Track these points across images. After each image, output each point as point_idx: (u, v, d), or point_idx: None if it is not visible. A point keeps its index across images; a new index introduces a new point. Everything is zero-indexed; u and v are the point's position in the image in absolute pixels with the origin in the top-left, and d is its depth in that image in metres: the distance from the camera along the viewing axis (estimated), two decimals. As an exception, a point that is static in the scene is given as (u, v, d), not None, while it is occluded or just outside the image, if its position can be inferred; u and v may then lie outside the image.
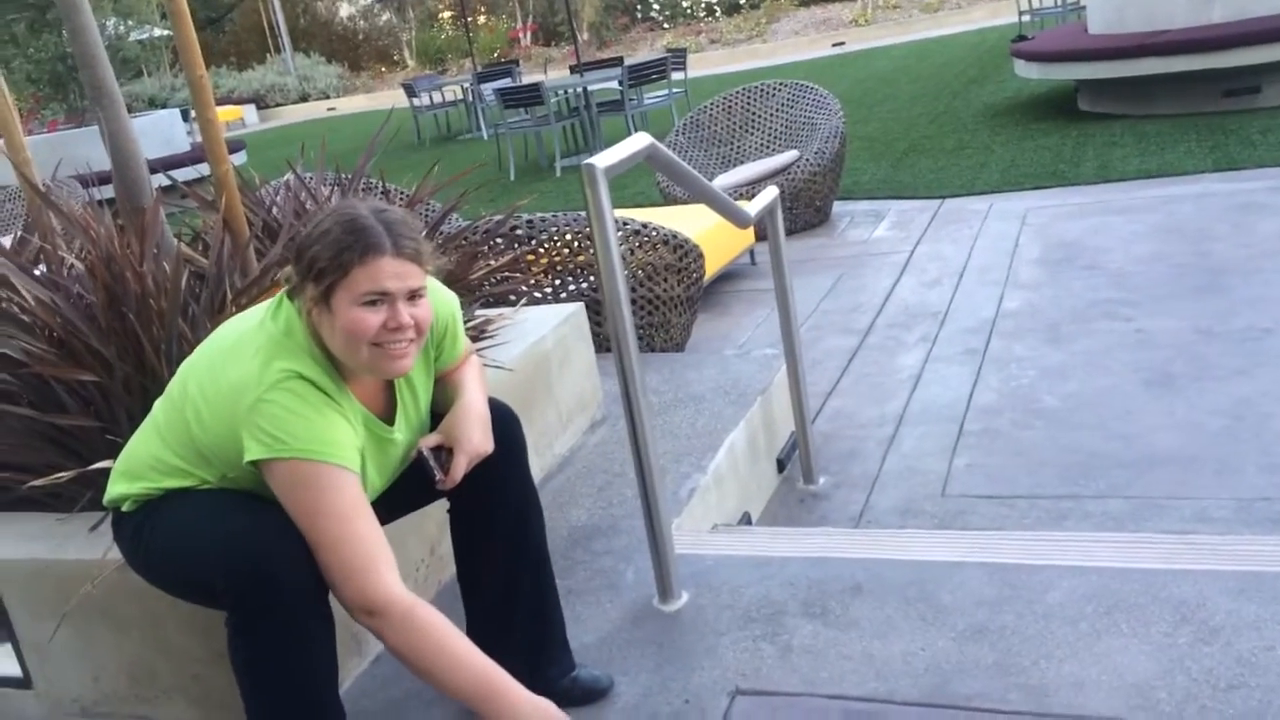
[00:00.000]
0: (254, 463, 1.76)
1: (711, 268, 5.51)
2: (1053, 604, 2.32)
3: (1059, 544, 2.60)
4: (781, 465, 3.85)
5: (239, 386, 1.78)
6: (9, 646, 2.55)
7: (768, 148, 7.61)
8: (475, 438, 2.01)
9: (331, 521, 1.76)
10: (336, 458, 1.77)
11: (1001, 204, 6.95)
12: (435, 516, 2.71)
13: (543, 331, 3.44)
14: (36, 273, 2.85)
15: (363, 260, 1.77)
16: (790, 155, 7.22)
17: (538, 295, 4.65)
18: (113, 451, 2.21)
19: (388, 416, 1.97)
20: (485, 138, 14.16)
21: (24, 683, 2.56)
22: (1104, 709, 1.99)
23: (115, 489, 1.95)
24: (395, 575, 1.78)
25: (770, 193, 3.49)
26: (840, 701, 2.13)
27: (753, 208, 3.39)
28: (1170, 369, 4.20)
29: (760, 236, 6.60)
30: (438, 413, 2.10)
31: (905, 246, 6.47)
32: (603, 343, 4.43)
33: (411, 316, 1.83)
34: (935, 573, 2.51)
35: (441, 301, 2.06)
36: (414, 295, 1.83)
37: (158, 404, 1.98)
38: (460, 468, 2.00)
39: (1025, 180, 7.37)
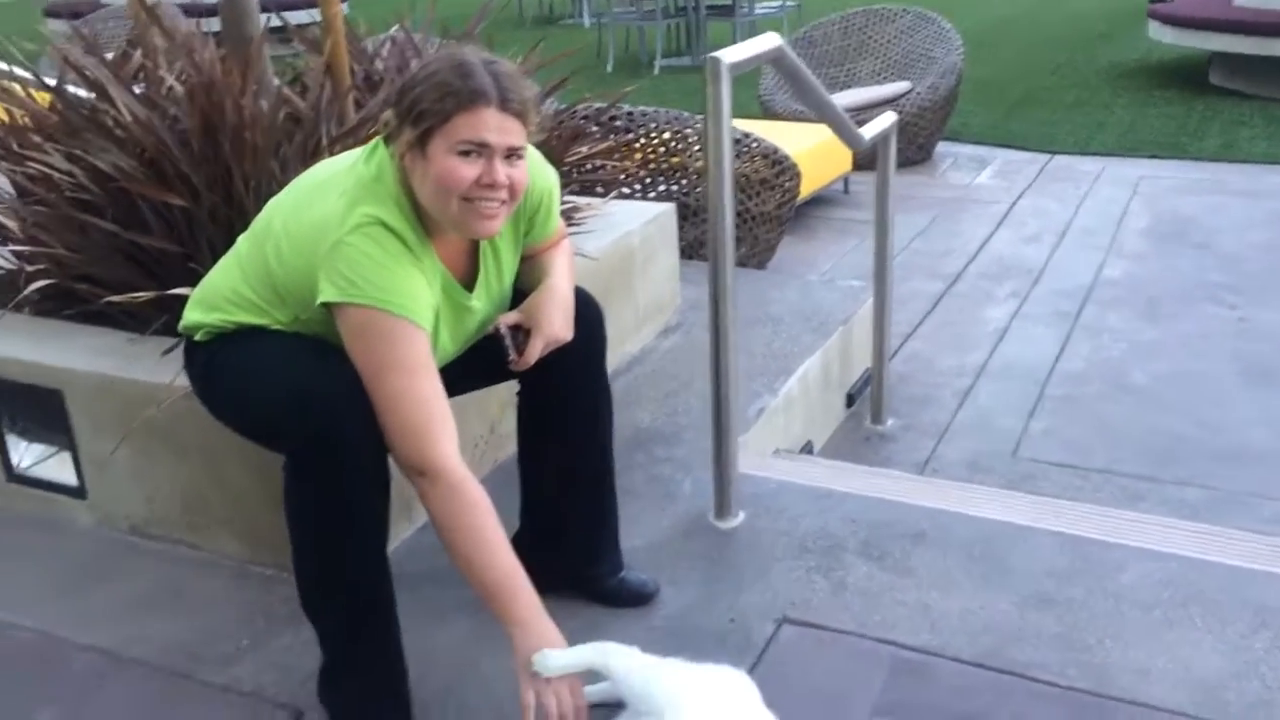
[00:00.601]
0: (326, 305, 1.71)
1: (805, 189, 5.34)
2: (1125, 585, 2.22)
3: (1136, 524, 2.49)
4: (851, 400, 3.76)
5: (321, 225, 1.72)
6: (68, 456, 2.57)
7: (879, 76, 7.33)
8: (556, 322, 1.94)
9: (395, 375, 1.71)
10: (409, 311, 1.71)
11: (1115, 168, 6.65)
12: (500, 395, 2.66)
13: (630, 227, 3.35)
14: (135, 90, 2.80)
15: (467, 107, 1.68)
16: (901, 86, 6.94)
17: (625, 191, 4.54)
18: (192, 279, 2.17)
19: (468, 282, 1.89)
20: (586, 25, 13.86)
21: (79, 493, 2.59)
22: (1167, 701, 1.91)
23: (190, 317, 1.91)
24: (452, 443, 1.73)
25: (888, 118, 3.33)
26: (890, 647, 2.07)
27: (869, 131, 3.23)
28: (1271, 363, 4.00)
29: (857, 165, 6.39)
30: (522, 291, 2.02)
31: (1007, 198, 6.23)
32: (685, 250, 4.33)
33: (507, 176, 1.74)
34: (1004, 533, 2.42)
35: (541, 174, 1.97)
36: (512, 154, 1.74)
37: (242, 238, 1.93)
38: (536, 350, 1.93)
39: (1143, 147, 7.04)
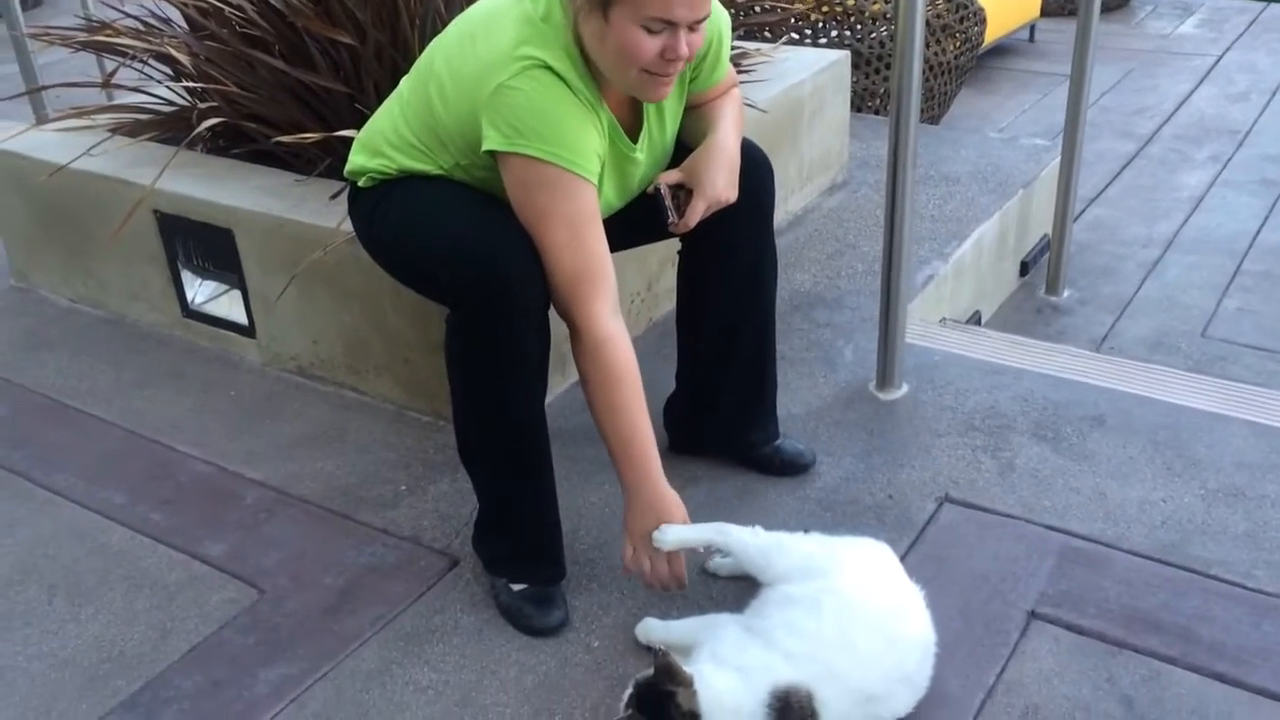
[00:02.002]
0: (490, 153, 1.65)
1: (989, 36, 4.98)
2: (1327, 485, 2.05)
3: (1344, 419, 2.28)
4: (1025, 269, 3.55)
5: (484, 67, 1.64)
6: (238, 295, 2.63)
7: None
8: (719, 183, 1.83)
9: (561, 227, 1.65)
10: (577, 165, 1.63)
11: (1342, 19, 5.98)
12: (660, 252, 2.59)
13: (801, 76, 3.16)
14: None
15: None
16: (1103, -77, 6.33)
17: (794, 36, 4.31)
18: (358, 120, 2.14)
19: (632, 132, 1.80)
20: None
21: (248, 331, 2.66)
22: (1366, 613, 1.76)
23: (355, 161, 1.88)
24: (607, 300, 1.68)
25: (1094, -43, 3.01)
26: (1059, 535, 1.96)
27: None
28: None
29: (1045, 11, 5.91)
30: (685, 145, 1.91)
31: (1213, 50, 5.69)
32: (854, 101, 4.10)
33: (689, 46, 1.63)
34: (1192, 420, 2.25)
35: (711, 16, 1.84)
36: (698, 24, 1.62)
37: (404, 79, 1.87)
38: (697, 213, 1.83)
39: (1377, -5, 6.30)
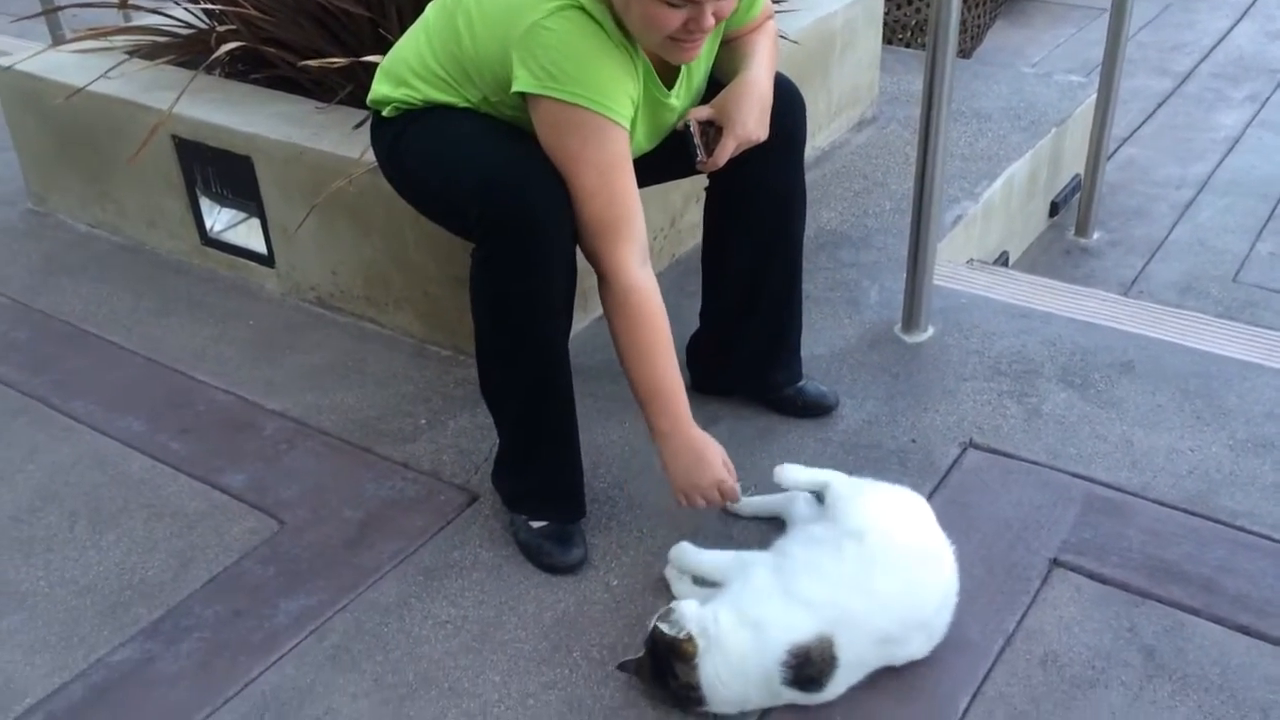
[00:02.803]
0: (521, 94, 1.60)
1: (1024, -31, 4.85)
2: (1359, 437, 2.01)
3: (1380, 371, 2.24)
4: (1055, 209, 3.48)
5: (517, 4, 1.59)
6: (257, 224, 2.61)
7: None
8: (750, 122, 1.78)
9: (590, 172, 1.61)
10: (610, 110, 1.59)
11: (1390, -46, 5.78)
12: (684, 187, 2.55)
13: (833, 7, 3.08)
14: None
15: None
16: None
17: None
18: (381, 46, 2.09)
19: (667, 79, 1.75)
20: None
21: (268, 261, 2.64)
22: (1394, 568, 1.74)
23: (379, 90, 1.84)
24: (636, 248, 1.65)
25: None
26: (1084, 483, 1.94)
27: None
28: None
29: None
30: (718, 80, 1.86)
31: (1255, -15, 5.53)
32: (886, 34, 4.00)
33: (716, 15, 1.58)
34: (1224, 369, 2.22)
35: None
36: None
37: (431, 6, 1.81)
38: (726, 152, 1.78)
39: None
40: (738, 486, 1.74)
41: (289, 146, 2.41)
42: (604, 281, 1.67)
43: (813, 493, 1.75)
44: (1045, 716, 1.54)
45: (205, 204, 2.70)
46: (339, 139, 2.37)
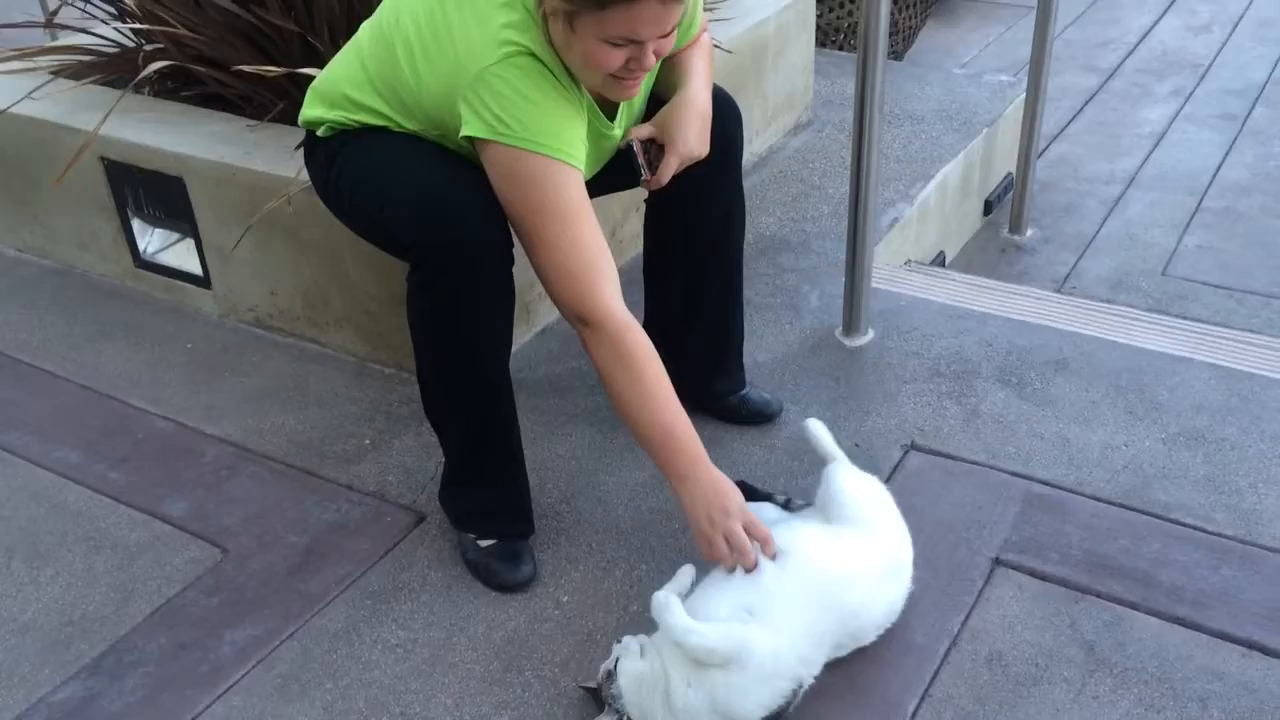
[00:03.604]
0: (470, 139, 1.59)
1: (953, -31, 4.92)
2: (1285, 427, 2.08)
3: (1303, 361, 2.31)
4: (989, 208, 3.54)
5: (463, 51, 1.56)
6: (192, 245, 2.57)
7: None
8: (691, 140, 1.79)
9: (553, 221, 1.59)
10: (566, 154, 1.58)
11: (1304, -51, 5.95)
12: (622, 198, 2.55)
13: (765, 14, 3.10)
14: None
15: (625, 3, 1.48)
16: None
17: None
18: (313, 59, 2.07)
19: (609, 111, 1.75)
20: None
21: (204, 282, 2.60)
22: (1321, 555, 1.80)
23: (311, 111, 1.82)
24: (616, 288, 1.61)
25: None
26: (1023, 481, 1.98)
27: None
28: None
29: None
30: (658, 97, 1.87)
31: (1176, -19, 5.66)
32: (819, 37, 4.05)
33: (656, 54, 1.58)
34: (1155, 364, 2.27)
35: None
36: (666, 35, 1.57)
37: (365, 26, 1.79)
38: (670, 170, 1.79)
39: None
40: (768, 531, 1.59)
41: (221, 167, 2.38)
42: (592, 327, 1.60)
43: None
44: (991, 716, 1.57)
45: (138, 226, 2.66)
46: (273, 158, 2.34)
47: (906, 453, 2.07)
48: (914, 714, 1.58)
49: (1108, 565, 1.79)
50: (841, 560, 1.58)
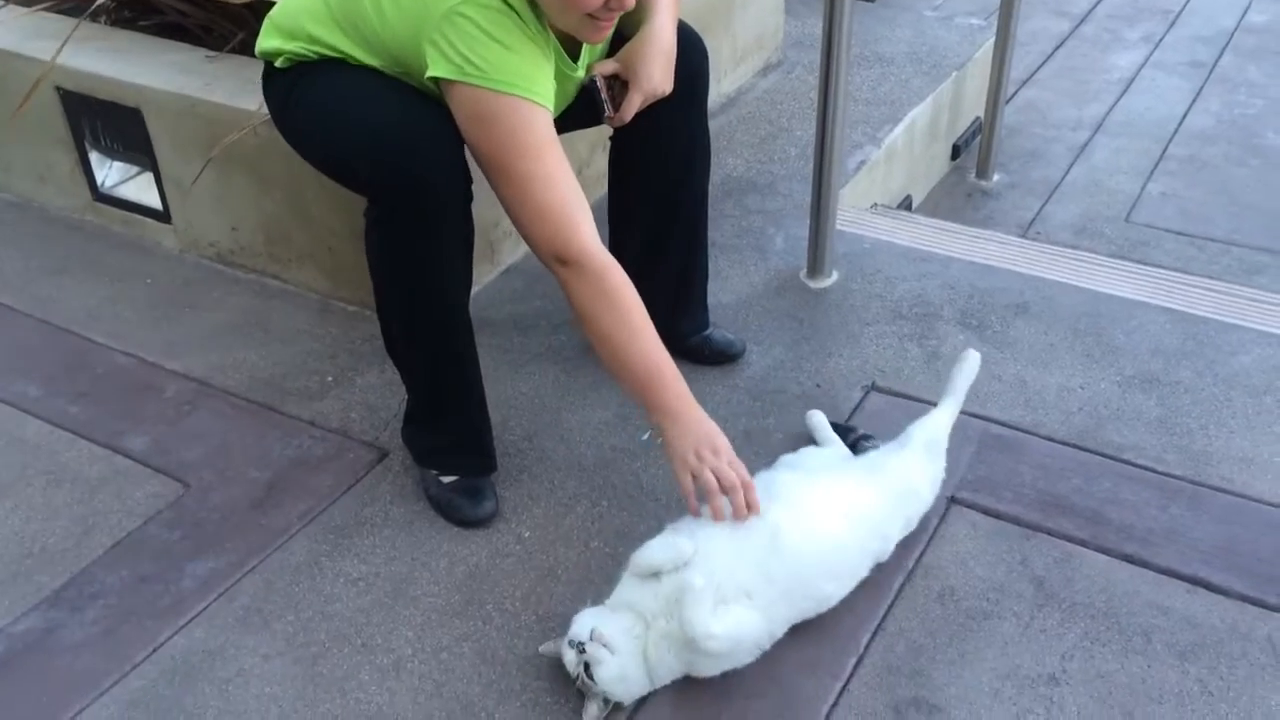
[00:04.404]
0: (435, 79, 1.57)
1: (927, -90, 4.86)
2: (1238, 369, 2.11)
3: (1259, 305, 2.34)
4: (956, 152, 3.55)
5: None
6: (151, 178, 2.53)
7: None
8: (655, 76, 1.78)
9: (523, 160, 1.57)
10: (532, 93, 1.56)
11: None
12: (589, 136, 2.53)
13: (736, -50, 3.07)
14: None
15: None
16: None
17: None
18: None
19: (573, 52, 1.73)
20: None
21: (164, 216, 2.57)
22: (1267, 493, 1.84)
23: (269, 42, 1.79)
24: (592, 226, 1.60)
25: None
26: (981, 422, 2.01)
27: None
28: None
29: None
30: (621, 34, 1.85)
31: (1150, -74, 5.63)
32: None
33: None
34: (1113, 308, 2.30)
35: None
36: None
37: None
38: (633, 106, 1.78)
39: None
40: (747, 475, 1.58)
41: (180, 98, 2.34)
42: (571, 267, 1.58)
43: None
44: (942, 648, 1.60)
45: (96, 158, 2.61)
46: (233, 90, 2.31)
47: (867, 393, 2.09)
48: (867, 647, 1.61)
49: (1060, 504, 1.83)
50: (828, 537, 1.60)
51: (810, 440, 1.91)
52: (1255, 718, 1.49)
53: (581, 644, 1.48)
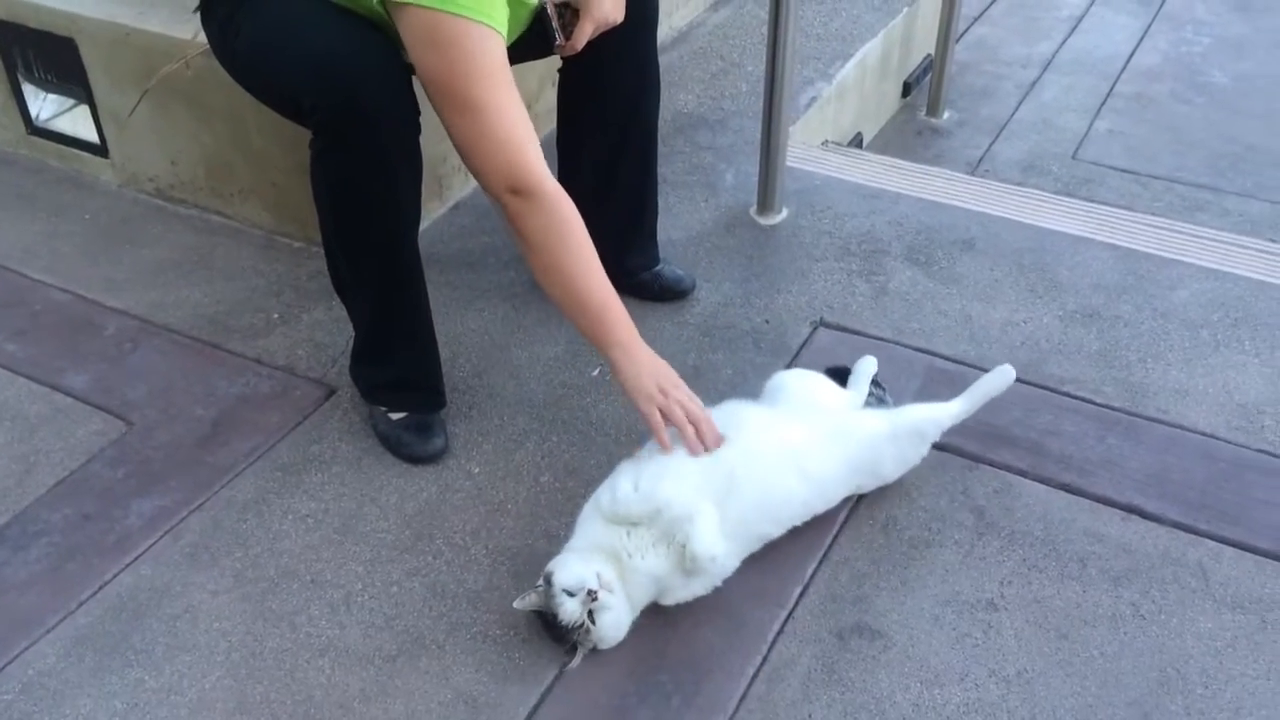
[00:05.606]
0: (385, 2, 1.53)
1: None
2: (1176, 303, 2.15)
3: (1199, 241, 2.38)
4: (907, 89, 3.54)
5: None
6: (86, 111, 2.46)
7: None
8: (606, 4, 1.75)
9: (475, 87, 1.54)
10: (485, 16, 1.52)
11: None
12: (538, 70, 2.50)
13: (687, -120, 3.02)
14: None
15: None
16: None
17: None
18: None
19: None
20: None
21: (101, 150, 2.51)
22: (1200, 423, 1.89)
23: (205, -32, 1.74)
24: (541, 156, 1.59)
25: None
26: (926, 356, 2.03)
27: None
28: (1366, 72, 3.73)
29: None
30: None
31: None
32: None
33: None
34: (1057, 244, 2.32)
35: None
36: None
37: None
38: (584, 35, 1.76)
39: None
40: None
41: (114, 27, 2.27)
42: (523, 196, 1.56)
43: None
44: (885, 575, 1.64)
45: (29, 90, 2.54)
46: (169, 18, 2.24)
47: (815, 329, 2.10)
48: (812, 575, 1.64)
49: (1001, 436, 1.86)
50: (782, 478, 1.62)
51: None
52: (1185, 639, 1.55)
53: (592, 591, 1.44)
